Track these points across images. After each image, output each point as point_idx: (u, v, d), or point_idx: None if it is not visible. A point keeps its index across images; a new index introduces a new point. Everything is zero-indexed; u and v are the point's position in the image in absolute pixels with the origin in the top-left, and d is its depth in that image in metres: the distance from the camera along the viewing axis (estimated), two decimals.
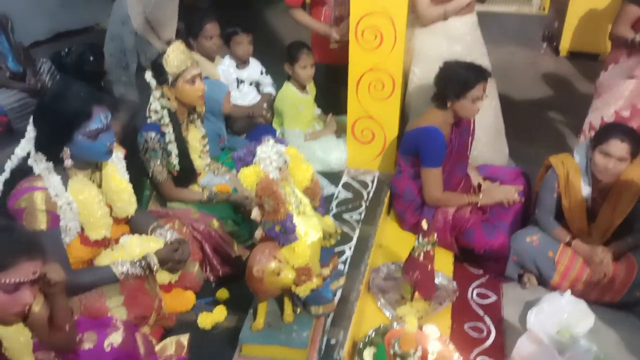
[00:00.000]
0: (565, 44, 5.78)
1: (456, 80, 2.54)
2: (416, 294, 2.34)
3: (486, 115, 3.04)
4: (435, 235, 2.27)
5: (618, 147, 2.32)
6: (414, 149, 2.67)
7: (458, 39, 2.96)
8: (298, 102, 3.14)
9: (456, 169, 2.76)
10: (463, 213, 2.68)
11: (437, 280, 2.44)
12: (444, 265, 2.63)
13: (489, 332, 2.36)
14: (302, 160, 1.97)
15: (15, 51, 3.78)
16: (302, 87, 3.17)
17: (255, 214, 1.80)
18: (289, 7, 3.28)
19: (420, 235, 2.25)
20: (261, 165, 1.79)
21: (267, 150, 1.80)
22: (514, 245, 2.58)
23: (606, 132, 2.40)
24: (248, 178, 1.77)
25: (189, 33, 3.18)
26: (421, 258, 2.25)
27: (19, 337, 1.47)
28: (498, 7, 5.86)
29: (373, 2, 2.68)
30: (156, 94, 2.35)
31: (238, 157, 1.82)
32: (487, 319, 2.43)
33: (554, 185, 2.55)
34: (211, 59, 3.27)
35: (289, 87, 3.16)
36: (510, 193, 2.72)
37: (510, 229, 2.64)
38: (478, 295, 2.58)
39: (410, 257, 2.30)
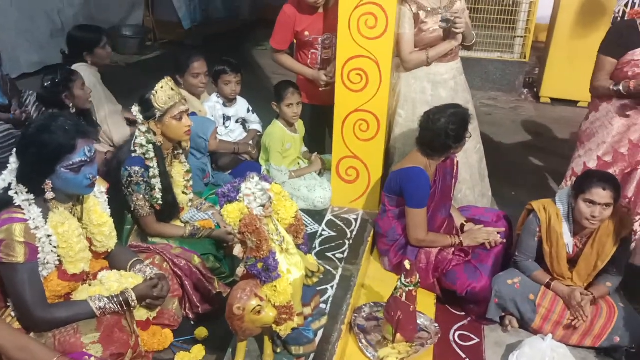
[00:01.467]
0: (545, 91, 5.96)
1: (444, 136, 2.59)
2: (398, 335, 2.31)
3: (470, 158, 3.09)
4: (418, 276, 2.26)
5: (601, 195, 2.36)
6: (398, 189, 2.70)
7: (442, 84, 3.04)
8: (285, 139, 3.17)
9: (440, 210, 2.79)
10: (446, 254, 2.69)
11: (419, 322, 2.42)
12: (425, 306, 2.62)
13: None
14: (287, 198, 1.97)
15: (2, 83, 3.77)
16: (290, 125, 3.21)
17: (237, 250, 1.79)
18: (274, 51, 3.30)
19: (403, 276, 2.24)
20: (245, 202, 1.79)
21: (251, 187, 1.80)
22: (495, 287, 2.58)
23: (587, 180, 2.42)
24: (231, 214, 1.77)
25: (176, 70, 3.22)
26: (403, 298, 2.24)
27: None
28: (481, 53, 6.04)
29: (359, 46, 2.75)
30: (142, 128, 2.35)
31: (222, 193, 1.82)
32: None
33: (536, 229, 2.57)
34: (197, 96, 3.30)
35: (277, 124, 3.21)
36: (493, 235, 2.74)
37: (492, 272, 2.65)
38: (460, 337, 2.56)
39: (392, 297, 2.29)
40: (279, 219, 1.95)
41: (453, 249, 2.71)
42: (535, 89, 6.17)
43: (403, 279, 2.24)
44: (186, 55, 3.26)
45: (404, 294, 2.24)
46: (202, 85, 3.26)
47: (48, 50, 5.59)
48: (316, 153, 3.32)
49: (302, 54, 3.27)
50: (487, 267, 2.66)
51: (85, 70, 3.36)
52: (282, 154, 3.19)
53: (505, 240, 2.76)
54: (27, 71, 5.40)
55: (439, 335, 2.44)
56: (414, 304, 2.26)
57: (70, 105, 2.99)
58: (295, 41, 3.29)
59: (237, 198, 1.80)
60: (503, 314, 2.63)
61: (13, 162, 1.80)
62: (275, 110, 3.20)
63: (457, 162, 2.83)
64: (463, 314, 2.71)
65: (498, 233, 2.75)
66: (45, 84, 3.04)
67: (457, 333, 2.59)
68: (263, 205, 1.81)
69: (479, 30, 5.88)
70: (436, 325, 2.49)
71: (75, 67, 3.38)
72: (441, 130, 2.58)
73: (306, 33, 3.14)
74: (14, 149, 1.82)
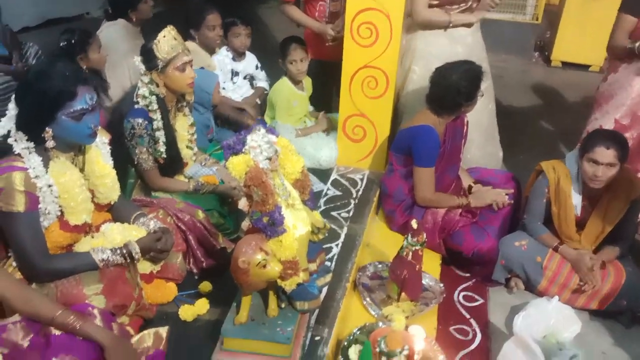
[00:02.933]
0: (556, 54, 5.82)
1: (455, 93, 2.52)
2: (403, 294, 2.30)
3: (481, 117, 3.01)
4: (425, 235, 2.23)
5: (604, 154, 2.31)
6: (406, 147, 2.64)
7: (459, 40, 2.94)
8: (292, 96, 3.11)
9: (448, 170, 2.73)
10: (453, 215, 2.65)
11: (424, 282, 2.40)
12: (431, 267, 2.59)
13: (474, 335, 2.33)
14: (293, 152, 1.92)
15: (1, 34, 3.68)
16: (297, 83, 3.13)
17: (242, 204, 1.75)
18: (282, 4, 3.21)
19: (410, 235, 2.21)
20: (251, 154, 1.73)
21: (257, 139, 1.74)
22: (502, 249, 2.56)
23: (592, 140, 2.39)
24: (237, 167, 1.72)
25: (189, 24, 3.12)
26: (409, 258, 2.22)
27: None
28: (492, 14, 5.86)
29: None
30: (144, 79, 2.28)
31: (227, 145, 1.77)
32: (473, 322, 2.40)
33: (544, 190, 2.53)
34: (211, 50, 3.22)
35: (284, 81, 3.14)
36: (500, 196, 2.69)
37: (498, 233, 2.62)
38: (464, 298, 2.56)
39: (398, 256, 2.27)
40: (285, 173, 1.90)
41: (460, 210, 2.67)
42: (546, 52, 6.03)
43: (409, 238, 2.21)
44: (199, 8, 3.15)
45: (410, 253, 2.21)
46: (218, 38, 3.19)
47: (49, 4, 5.46)
48: (323, 112, 3.25)
49: (310, 6, 3.17)
50: (494, 228, 2.63)
51: (116, 29, 3.38)
52: (288, 111, 3.12)
53: (513, 202, 2.72)
54: (29, 25, 5.27)
55: (444, 295, 2.43)
56: (420, 264, 2.24)
57: (84, 67, 2.92)
58: None
59: (243, 150, 1.74)
60: (509, 276, 2.61)
61: (12, 109, 1.75)
62: (282, 67, 3.13)
63: (467, 121, 2.76)
64: (468, 275, 2.69)
65: (506, 194, 2.71)
66: (61, 44, 2.97)
67: (462, 294, 2.58)
68: (269, 159, 1.76)
69: None
70: (441, 285, 2.48)
71: (111, 24, 3.39)
72: (452, 87, 2.50)
73: None
74: (13, 95, 1.76)
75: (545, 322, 2.25)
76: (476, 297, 2.56)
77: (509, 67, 5.65)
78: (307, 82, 3.24)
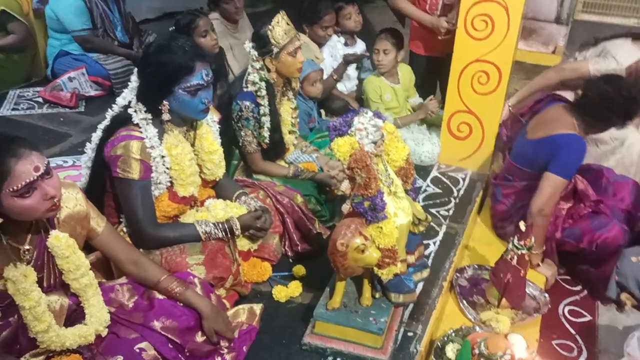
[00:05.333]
0: None
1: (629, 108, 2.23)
2: (504, 299, 2.16)
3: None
4: (533, 239, 2.08)
5: None
6: (543, 158, 2.33)
7: None
8: (382, 89, 3.06)
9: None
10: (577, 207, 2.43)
11: (527, 290, 2.24)
12: (536, 275, 2.42)
13: (579, 352, 2.17)
14: (399, 139, 1.87)
15: (124, 21, 3.95)
16: (390, 75, 3.09)
17: (344, 186, 1.74)
18: None
19: (516, 238, 2.07)
20: (357, 137, 1.70)
21: (364, 121, 1.71)
22: (617, 263, 2.34)
23: None
24: (342, 148, 1.70)
25: (304, 19, 3.16)
26: (514, 262, 2.08)
27: (25, 278, 1.43)
28: (615, 19, 5.45)
29: None
30: (256, 65, 2.31)
31: (333, 126, 1.75)
32: (579, 339, 2.23)
33: None
34: (320, 45, 3.25)
35: (375, 74, 3.12)
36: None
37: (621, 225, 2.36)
38: (570, 312, 2.39)
39: (501, 259, 2.13)
40: (389, 160, 1.85)
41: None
42: None
43: (516, 241, 2.07)
44: (317, 6, 3.18)
45: (515, 257, 2.07)
46: (328, 37, 3.22)
47: None
48: (430, 97, 3.10)
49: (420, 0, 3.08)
50: (619, 217, 2.40)
51: (215, 21, 3.39)
52: (379, 104, 3.06)
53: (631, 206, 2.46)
54: (148, 17, 5.63)
55: (548, 307, 2.26)
56: (525, 269, 2.09)
57: None
58: None
59: (349, 132, 1.71)
60: (620, 292, 2.39)
61: (134, 81, 1.84)
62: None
63: None
64: (575, 288, 2.49)
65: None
66: (170, 29, 3.10)
67: (568, 308, 2.41)
68: (375, 142, 1.72)
69: None
70: (546, 295, 2.31)
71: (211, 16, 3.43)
72: (614, 101, 2.19)
73: None
74: (136, 69, 1.86)
75: None
76: (584, 312, 2.38)
77: None
78: (404, 72, 3.15)
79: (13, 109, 3.48)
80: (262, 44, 2.29)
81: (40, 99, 3.57)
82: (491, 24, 2.58)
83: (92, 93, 3.64)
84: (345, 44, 3.30)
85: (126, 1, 4.04)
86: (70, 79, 3.59)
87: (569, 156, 2.27)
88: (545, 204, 2.31)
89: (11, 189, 1.32)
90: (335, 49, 3.26)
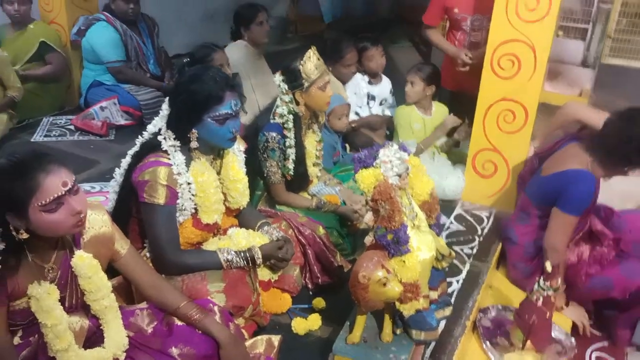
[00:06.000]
0: None
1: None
2: (528, 342, 2.09)
3: None
4: (559, 280, 2.03)
5: None
6: (553, 194, 2.29)
7: None
8: (413, 118, 3.13)
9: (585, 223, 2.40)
10: (599, 249, 2.36)
11: (553, 333, 2.18)
12: (562, 319, 2.35)
13: None
14: (424, 173, 1.87)
15: (157, 55, 4.08)
16: (425, 107, 3.16)
17: (368, 218, 1.73)
18: (425, 27, 3.29)
19: (542, 278, 2.03)
20: (382, 169, 1.71)
21: (389, 154, 1.72)
22: None
23: None
24: (366, 180, 1.70)
25: (326, 57, 3.22)
26: (539, 303, 2.02)
27: (48, 296, 1.45)
28: None
29: (515, 29, 2.54)
30: (285, 98, 2.35)
31: (358, 158, 1.76)
32: None
33: None
34: (344, 82, 3.30)
35: (408, 104, 3.19)
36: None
37: None
38: (598, 359, 2.28)
39: (527, 300, 2.08)
40: (413, 193, 1.84)
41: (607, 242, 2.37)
42: None
43: (542, 282, 2.02)
44: (338, 44, 3.25)
45: (541, 298, 2.02)
46: (351, 74, 3.29)
47: (197, 34, 5.94)
48: (451, 114, 3.16)
49: (451, 34, 3.23)
50: None
51: (237, 49, 3.48)
52: (408, 132, 3.12)
53: None
54: (179, 52, 5.79)
55: (575, 352, 2.18)
56: (551, 311, 2.03)
57: None
58: (448, 22, 3.26)
59: (374, 164, 1.72)
60: None
61: (165, 109, 1.89)
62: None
63: None
64: (603, 333, 2.41)
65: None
66: (184, 60, 3.15)
67: (595, 354, 2.33)
68: (399, 175, 1.72)
69: None
70: (572, 340, 2.23)
71: (232, 45, 3.53)
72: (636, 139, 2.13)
73: (456, 10, 3.09)
74: (167, 97, 1.91)
75: None
76: (612, 359, 2.28)
77: None
78: (439, 108, 3.21)
79: (45, 136, 3.58)
80: (293, 77, 2.33)
81: (72, 127, 3.67)
82: (517, 63, 2.59)
83: (123, 122, 3.73)
84: (370, 82, 3.35)
85: (159, 35, 4.18)
86: (102, 109, 3.69)
87: (576, 192, 2.22)
88: (556, 241, 2.27)
89: (40, 203, 1.35)
90: (359, 87, 3.31)
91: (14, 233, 1.38)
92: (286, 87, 2.34)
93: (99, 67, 3.83)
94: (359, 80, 3.32)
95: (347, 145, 3.18)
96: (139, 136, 1.95)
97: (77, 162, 3.25)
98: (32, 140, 3.51)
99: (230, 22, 3.80)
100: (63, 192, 1.38)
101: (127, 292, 1.83)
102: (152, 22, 4.11)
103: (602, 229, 2.38)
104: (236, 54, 3.46)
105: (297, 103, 2.35)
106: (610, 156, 2.22)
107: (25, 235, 1.40)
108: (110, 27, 3.77)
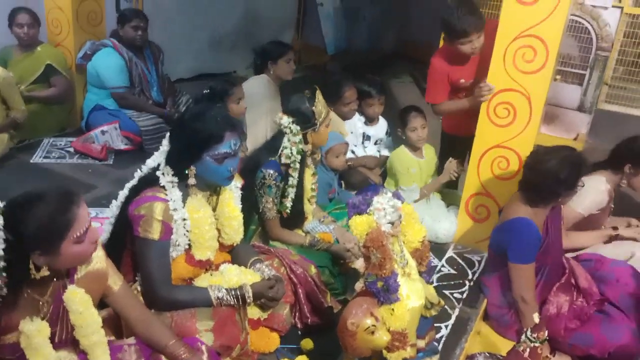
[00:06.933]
0: None
1: (553, 181, 2.28)
2: None
3: None
4: (546, 332, 2.04)
5: None
6: (504, 244, 2.38)
7: None
8: (410, 163, 3.13)
9: (555, 265, 2.46)
10: (580, 303, 2.39)
11: None
12: None
13: None
14: (416, 220, 1.90)
15: (160, 82, 4.14)
16: (415, 150, 3.16)
17: (359, 264, 1.75)
18: (433, 107, 3.16)
19: (529, 329, 2.04)
20: (375, 216, 1.74)
21: (383, 201, 1.75)
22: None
23: None
24: (359, 226, 1.73)
25: (326, 97, 3.26)
26: (526, 354, 2.02)
27: (38, 333, 1.47)
28: (638, 111, 5.52)
29: (512, 79, 2.60)
30: (295, 138, 2.36)
31: (352, 204, 1.79)
32: None
33: None
34: (345, 119, 3.34)
35: (401, 149, 3.20)
36: None
37: (634, 329, 2.31)
38: None
39: (514, 350, 2.08)
40: (405, 241, 1.87)
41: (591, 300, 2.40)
42: None
43: (529, 333, 2.03)
44: (337, 83, 3.29)
45: (528, 350, 2.03)
46: (352, 112, 3.32)
47: (203, 60, 6.04)
48: (450, 159, 3.14)
49: (458, 96, 3.11)
50: (626, 324, 2.34)
51: (259, 83, 3.54)
52: (407, 177, 3.12)
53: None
54: (184, 76, 5.86)
55: None
56: None
57: None
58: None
59: (367, 211, 1.75)
60: None
61: (165, 145, 1.92)
62: (402, 137, 3.19)
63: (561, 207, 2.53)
64: None
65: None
66: (204, 92, 3.20)
67: None
68: (392, 223, 1.75)
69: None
70: None
71: (256, 78, 3.59)
72: (551, 173, 2.26)
73: (462, 80, 3.02)
74: (168, 133, 1.94)
75: None
76: None
77: None
78: (429, 150, 3.24)
79: (45, 157, 3.61)
80: (306, 119, 2.37)
81: (72, 149, 3.71)
82: (513, 112, 2.64)
83: (122, 147, 3.76)
84: (366, 123, 3.39)
85: (164, 63, 4.25)
86: (103, 132, 3.73)
87: (520, 242, 2.30)
88: (521, 292, 2.32)
89: (75, 236, 1.43)
90: (355, 127, 3.36)
91: (33, 272, 1.43)
92: (298, 128, 2.37)
93: (103, 92, 3.88)
94: (356, 120, 3.37)
95: (342, 182, 3.20)
96: (138, 169, 1.98)
97: (75, 186, 3.26)
98: (31, 161, 3.54)
99: (235, 50, 3.89)
100: (89, 223, 1.46)
101: (116, 325, 1.83)
102: (158, 49, 4.17)
103: (589, 287, 2.41)
104: (257, 88, 3.53)
105: (306, 142, 2.40)
106: (539, 195, 2.33)
107: (46, 273, 1.45)
108: (115, 53, 3.83)
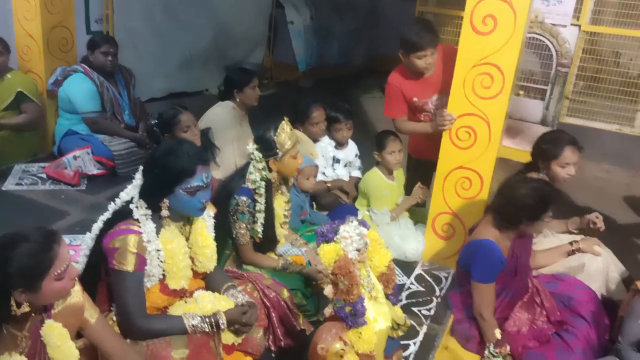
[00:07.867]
0: None
1: (518, 208, 2.36)
2: None
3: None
4: (508, 348, 2.16)
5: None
6: (469, 262, 2.49)
7: None
8: (383, 186, 3.22)
9: (521, 287, 2.55)
10: (541, 324, 2.51)
11: None
12: None
13: None
14: (382, 246, 1.99)
15: (132, 106, 4.17)
16: (389, 173, 3.26)
17: (328, 290, 1.82)
18: (394, 121, 3.28)
19: (492, 345, 2.15)
20: (342, 244, 1.83)
21: (349, 230, 1.84)
22: None
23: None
24: (327, 254, 1.81)
25: (296, 118, 3.35)
26: None
27: None
28: (598, 124, 5.76)
29: (471, 104, 2.74)
30: (259, 165, 2.46)
31: (321, 232, 1.88)
32: None
33: None
34: (315, 140, 3.43)
35: (375, 171, 3.28)
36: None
37: (585, 356, 2.44)
38: None
39: None
40: (371, 265, 1.96)
41: (546, 319, 2.52)
42: None
43: (492, 348, 2.15)
44: (305, 104, 3.38)
45: None
46: (320, 132, 3.40)
47: (175, 79, 6.07)
48: (419, 184, 3.26)
49: (416, 116, 3.26)
50: (578, 350, 2.46)
51: (224, 111, 3.60)
52: (380, 200, 3.22)
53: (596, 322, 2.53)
54: (155, 96, 5.89)
55: None
56: None
57: None
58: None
59: (335, 239, 1.84)
60: None
61: (138, 179, 1.98)
62: (377, 159, 3.27)
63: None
64: None
65: (580, 316, 2.52)
66: (153, 122, 3.25)
67: None
68: (358, 250, 1.84)
69: (599, 100, 5.64)
70: None
71: (220, 104, 3.64)
72: (517, 201, 2.35)
73: (415, 99, 3.16)
74: (140, 167, 2.00)
75: None
76: None
77: (612, 178, 5.44)
78: (399, 172, 3.35)
79: (17, 184, 3.61)
80: (267, 147, 2.45)
81: (44, 175, 3.71)
82: (474, 135, 2.78)
83: (95, 172, 3.76)
84: (336, 147, 3.49)
85: (135, 86, 4.29)
86: (75, 158, 3.74)
87: (482, 263, 2.40)
88: (480, 310, 2.42)
89: (56, 273, 1.50)
90: (325, 150, 3.45)
91: (14, 309, 1.48)
92: (260, 155, 2.46)
93: (74, 117, 3.91)
94: (327, 144, 3.47)
95: (314, 203, 3.29)
96: (112, 202, 2.03)
97: (47, 212, 3.28)
98: (3, 188, 3.53)
99: (207, 68, 3.89)
100: (70, 260, 1.54)
101: (92, 355, 1.87)
102: (129, 72, 4.21)
103: (551, 308, 2.52)
104: (223, 115, 3.60)
105: (270, 170, 2.47)
106: (503, 219, 2.43)
107: (27, 309, 1.51)
108: (87, 79, 3.87)
